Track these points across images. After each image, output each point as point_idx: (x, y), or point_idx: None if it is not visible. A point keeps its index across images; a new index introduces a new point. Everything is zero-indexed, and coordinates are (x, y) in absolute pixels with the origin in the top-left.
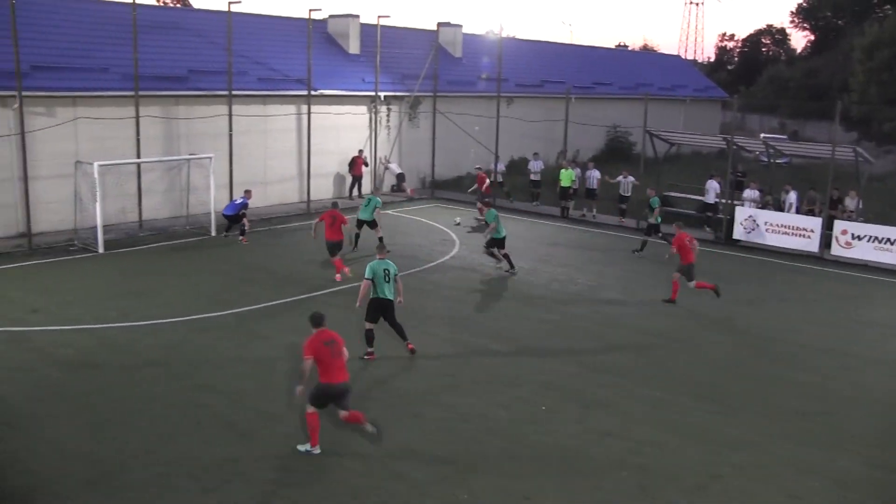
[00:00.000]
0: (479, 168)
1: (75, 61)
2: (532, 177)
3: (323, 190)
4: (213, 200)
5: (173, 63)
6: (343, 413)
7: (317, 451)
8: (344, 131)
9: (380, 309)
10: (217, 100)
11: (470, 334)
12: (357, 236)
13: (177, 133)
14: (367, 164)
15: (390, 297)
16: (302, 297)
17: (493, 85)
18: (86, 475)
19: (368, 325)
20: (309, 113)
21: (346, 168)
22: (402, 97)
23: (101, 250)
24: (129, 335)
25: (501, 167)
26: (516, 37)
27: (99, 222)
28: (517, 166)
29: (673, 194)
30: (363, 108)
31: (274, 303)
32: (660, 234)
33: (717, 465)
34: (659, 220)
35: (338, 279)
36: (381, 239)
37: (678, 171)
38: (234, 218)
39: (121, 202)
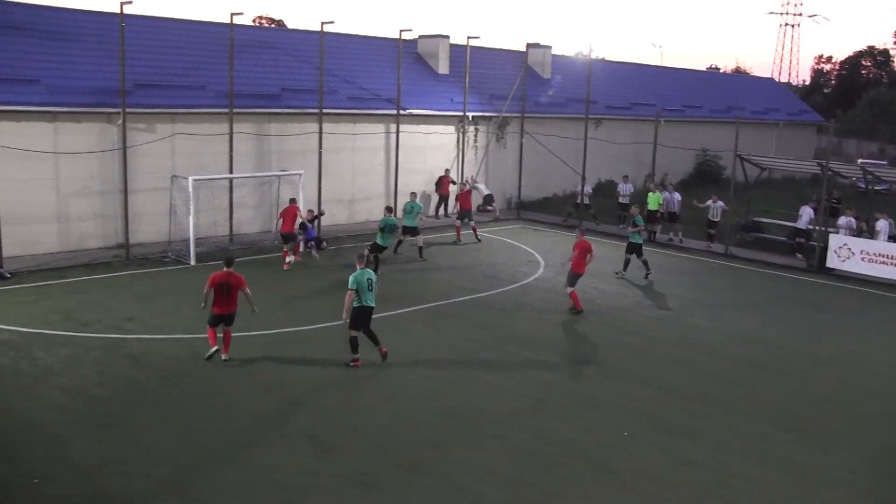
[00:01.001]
0: (456, 181)
1: (175, 79)
2: (621, 199)
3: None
4: (303, 215)
5: (267, 81)
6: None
7: (214, 348)
8: (431, 151)
9: (363, 317)
10: (308, 117)
11: (553, 356)
12: (399, 243)
13: (268, 149)
14: (454, 183)
15: (374, 304)
16: (387, 314)
17: (582, 106)
18: (173, 479)
19: (353, 333)
20: (398, 132)
21: (433, 187)
22: (489, 117)
23: (192, 262)
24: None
25: (588, 189)
26: (606, 59)
27: (191, 235)
28: (604, 189)
29: (763, 220)
30: (451, 128)
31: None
32: (642, 257)
33: (810, 503)
34: (641, 240)
35: (286, 267)
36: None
37: (769, 197)
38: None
39: (213, 216)
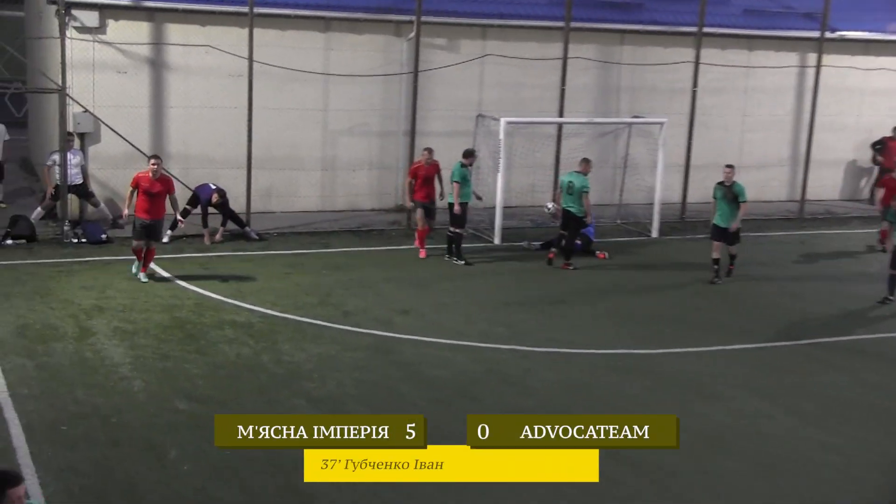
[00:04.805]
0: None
1: None
2: None
3: (828, 185)
4: (660, 186)
5: None
6: None
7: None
8: (871, 97)
9: (566, 217)
10: (679, 39)
11: None
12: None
13: (616, 84)
14: None
15: (570, 208)
16: (774, 344)
17: None
18: None
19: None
20: (818, 66)
21: (870, 154)
22: None
23: (496, 241)
24: (521, 363)
25: None
26: None
27: (499, 201)
28: None
29: None
30: None
31: (734, 347)
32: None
33: None
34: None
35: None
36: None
37: None
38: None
39: (530, 176)
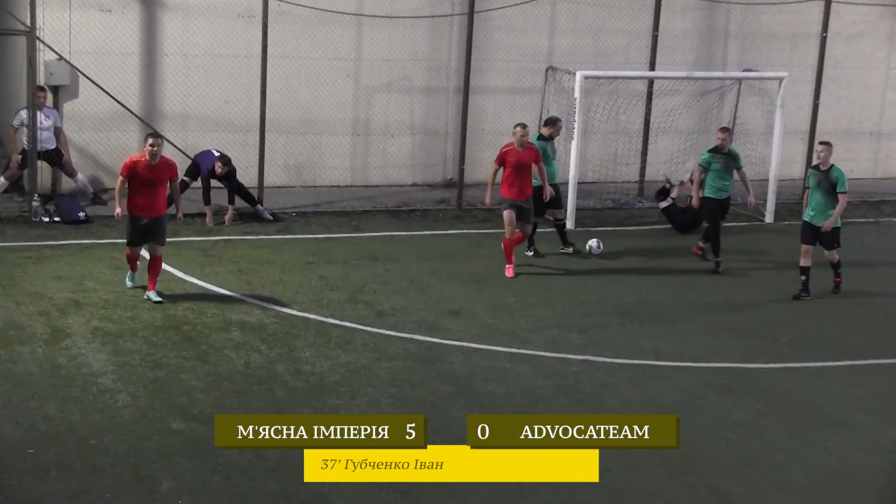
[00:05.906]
0: None
1: None
2: None
3: None
4: (777, 156)
5: None
6: None
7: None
8: None
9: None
10: None
11: None
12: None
13: (723, 30)
14: None
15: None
16: None
17: None
18: None
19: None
20: None
21: None
22: None
23: (569, 225)
24: (596, 377)
25: None
26: None
27: (572, 176)
28: None
29: None
30: None
31: (867, 363)
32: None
33: None
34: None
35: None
36: None
37: None
38: None
39: (612, 143)
